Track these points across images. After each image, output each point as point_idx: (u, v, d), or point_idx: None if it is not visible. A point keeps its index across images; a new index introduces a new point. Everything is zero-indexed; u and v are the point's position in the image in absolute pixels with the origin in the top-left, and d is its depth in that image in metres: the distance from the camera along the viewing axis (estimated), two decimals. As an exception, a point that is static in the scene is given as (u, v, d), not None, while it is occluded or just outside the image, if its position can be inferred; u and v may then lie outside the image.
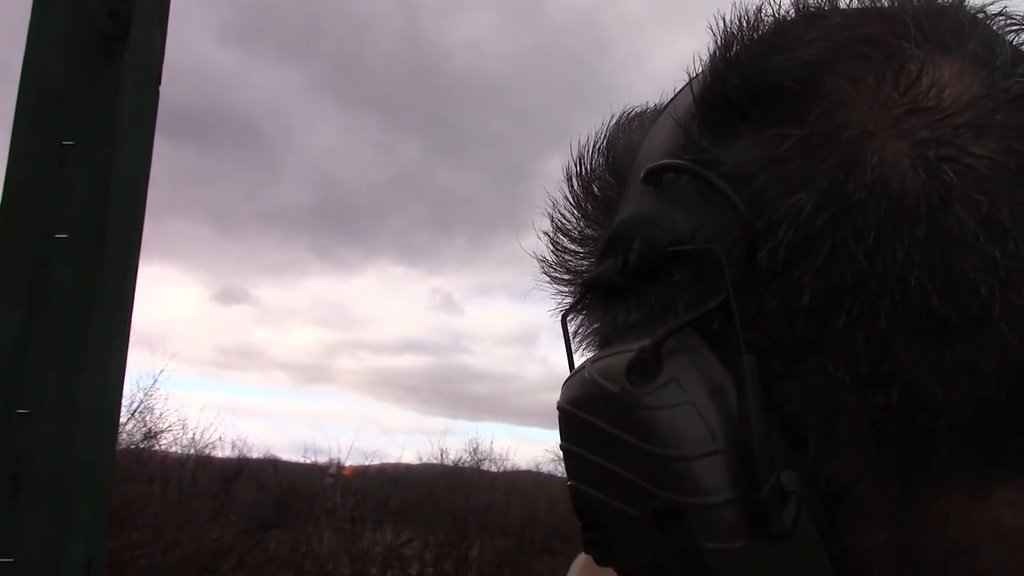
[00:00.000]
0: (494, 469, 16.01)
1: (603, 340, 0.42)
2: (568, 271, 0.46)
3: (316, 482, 14.61)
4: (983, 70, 0.37)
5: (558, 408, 0.41)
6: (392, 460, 16.91)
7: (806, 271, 0.35)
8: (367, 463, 15.65)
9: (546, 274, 0.47)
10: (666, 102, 0.45)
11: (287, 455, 15.73)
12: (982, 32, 0.39)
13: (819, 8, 0.41)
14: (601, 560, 0.41)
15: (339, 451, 14.99)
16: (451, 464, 15.71)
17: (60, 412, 1.28)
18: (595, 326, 0.44)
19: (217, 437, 14.28)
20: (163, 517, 10.48)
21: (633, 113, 0.48)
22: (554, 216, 0.47)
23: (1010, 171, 0.35)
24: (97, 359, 1.32)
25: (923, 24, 0.38)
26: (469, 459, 15.76)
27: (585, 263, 0.45)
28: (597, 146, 0.47)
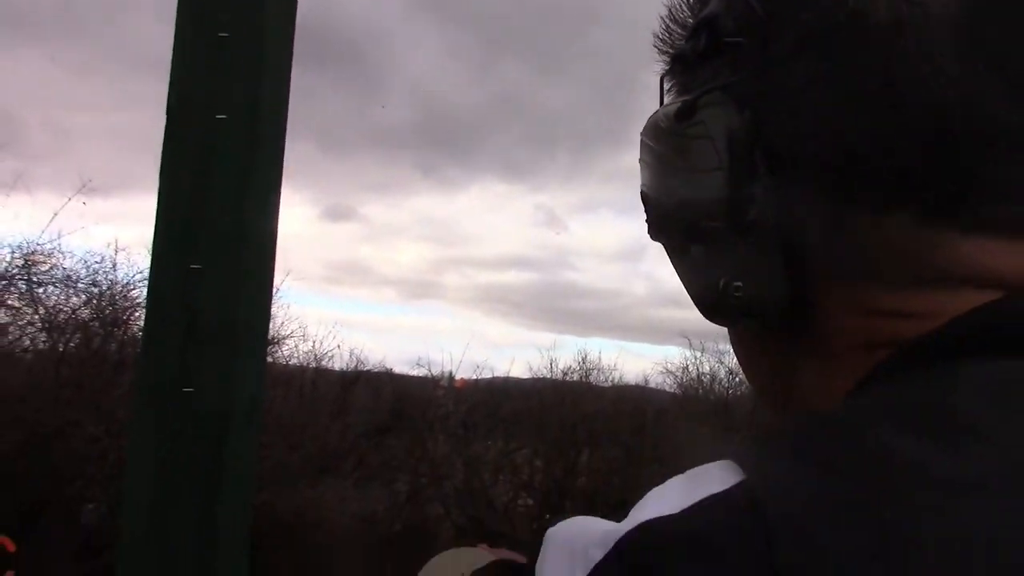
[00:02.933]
0: (602, 382, 16.22)
1: (679, 95, 0.61)
2: (670, 46, 0.63)
3: (429, 391, 15.06)
4: None
5: (641, 133, 0.62)
6: (501, 374, 17.24)
7: (798, 62, 0.53)
8: (477, 376, 16.03)
9: (655, 47, 0.64)
10: None
11: (399, 368, 16.19)
12: None
13: None
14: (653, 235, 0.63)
15: (450, 363, 15.38)
16: (560, 376, 15.97)
17: (227, 269, 1.48)
18: (676, 86, 0.62)
19: (335, 346, 14.83)
20: (287, 419, 11.07)
21: None
22: (671, 4, 0.64)
23: (943, 15, 0.52)
24: (256, 223, 1.51)
25: None
26: (578, 370, 15.99)
27: (681, 41, 0.62)
28: None
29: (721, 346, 16.59)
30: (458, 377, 15.47)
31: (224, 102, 1.50)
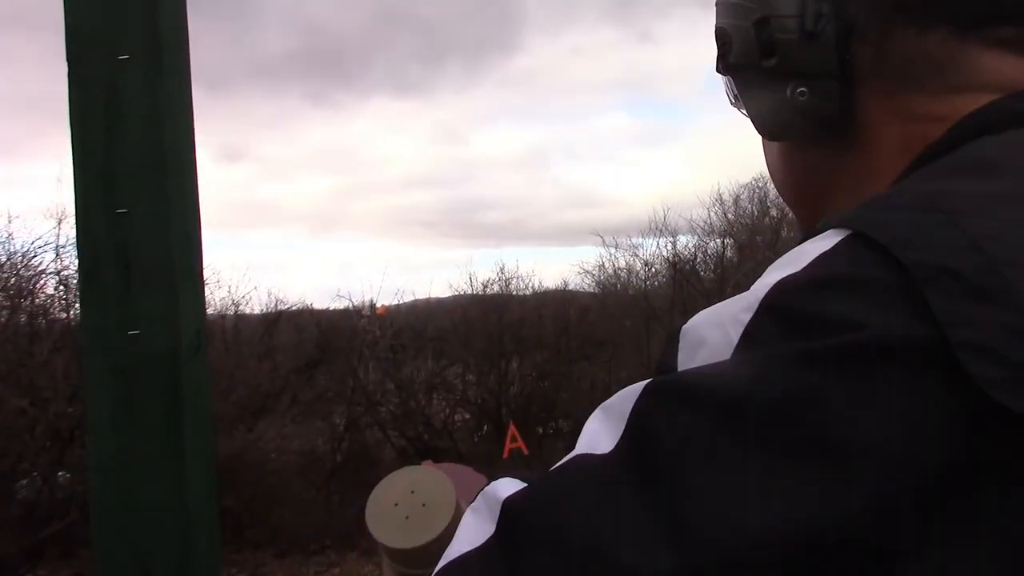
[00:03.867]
0: (522, 290, 16.35)
1: None
2: None
3: (353, 322, 15.01)
4: None
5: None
6: (422, 296, 17.23)
7: None
8: (399, 300, 16.01)
9: None
10: None
11: (320, 303, 16.06)
12: None
13: None
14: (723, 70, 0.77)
15: (370, 292, 15.32)
16: (480, 289, 16.05)
17: (153, 209, 1.48)
18: None
19: (252, 289, 14.60)
20: (214, 367, 10.97)
21: None
22: None
23: None
24: (174, 159, 1.51)
25: None
26: (497, 281, 16.09)
27: None
28: None
29: (635, 240, 16.85)
30: (379, 304, 15.45)
31: (123, 42, 1.48)
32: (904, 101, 0.68)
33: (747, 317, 0.51)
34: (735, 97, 0.78)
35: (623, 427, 0.50)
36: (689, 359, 0.53)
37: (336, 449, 12.44)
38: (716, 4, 0.75)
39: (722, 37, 0.75)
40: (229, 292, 13.72)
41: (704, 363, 0.51)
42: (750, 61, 0.71)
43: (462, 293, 16.17)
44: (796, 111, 0.70)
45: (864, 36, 0.67)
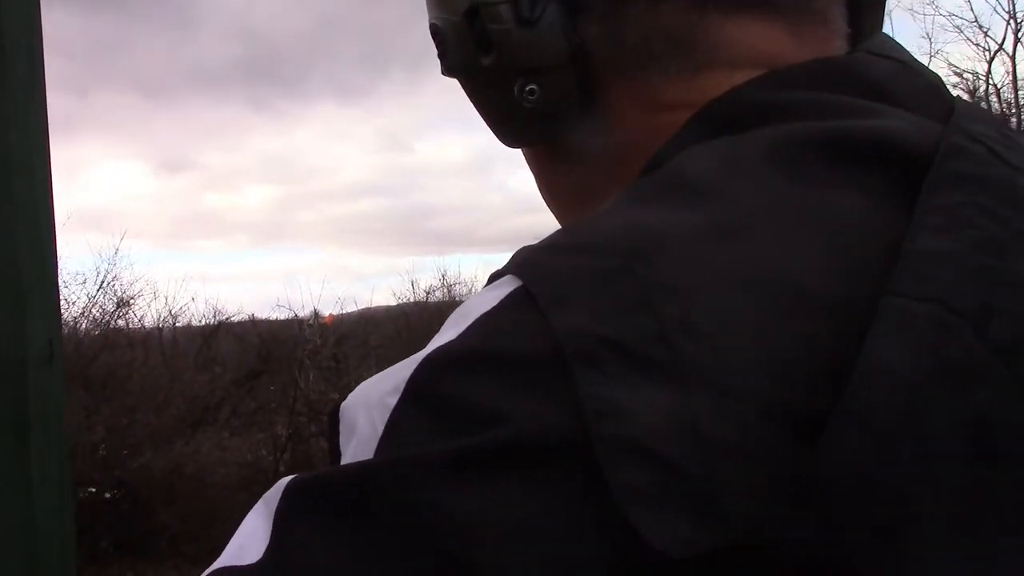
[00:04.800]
0: (465, 295, 16.35)
1: None
2: None
3: (295, 332, 14.90)
4: None
5: None
6: (364, 305, 17.17)
7: None
8: (341, 310, 15.93)
9: None
10: None
11: (262, 313, 15.92)
12: None
13: None
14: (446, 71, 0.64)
15: (315, 302, 15.22)
16: (423, 296, 16.04)
17: (1, 218, 1.44)
18: None
19: (189, 298, 14.42)
20: (151, 379, 10.79)
21: None
22: None
23: None
24: (23, 171, 1.47)
25: None
26: (440, 288, 16.09)
27: None
28: None
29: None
30: (327, 313, 15.35)
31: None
32: (646, 86, 0.58)
33: (392, 401, 0.44)
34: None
35: (270, 531, 0.44)
36: (345, 448, 0.47)
37: (279, 460, 12.30)
38: None
39: (437, 34, 0.63)
40: (167, 303, 13.54)
41: (352, 457, 0.45)
42: (469, 60, 0.61)
43: (405, 301, 16.15)
44: (530, 113, 0.60)
45: (592, 14, 0.58)
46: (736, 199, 0.47)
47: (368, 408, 0.45)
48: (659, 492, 0.38)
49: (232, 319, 14.66)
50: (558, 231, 0.53)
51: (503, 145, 0.66)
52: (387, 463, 0.42)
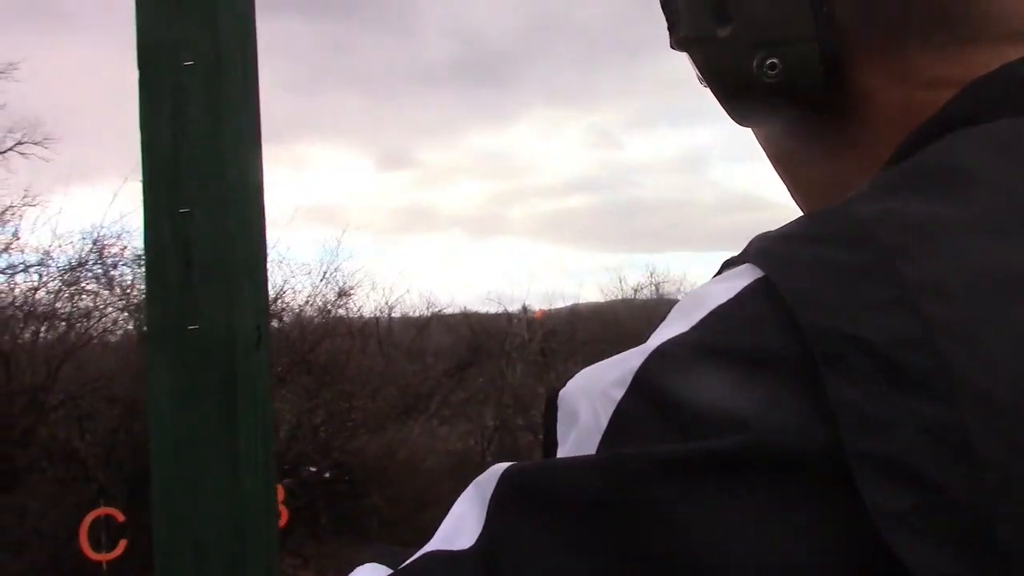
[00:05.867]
0: (674, 294, 16.18)
1: None
2: None
3: (504, 325, 15.23)
4: None
5: None
6: (571, 300, 17.30)
7: None
8: (550, 305, 16.13)
9: None
10: None
11: (473, 306, 16.36)
12: None
13: None
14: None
15: (526, 296, 15.51)
16: (631, 293, 15.98)
17: (214, 208, 1.55)
18: None
19: (405, 291, 15.01)
20: (367, 366, 11.35)
21: None
22: None
23: None
24: (236, 167, 1.57)
25: None
26: (648, 285, 15.98)
27: None
28: None
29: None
30: (537, 308, 15.61)
31: (188, 47, 1.55)
32: (903, 60, 0.52)
33: (618, 394, 0.41)
34: (699, 77, 0.62)
35: (484, 518, 0.42)
36: (564, 437, 0.44)
37: (486, 450, 12.63)
38: None
39: (668, 5, 0.60)
40: (384, 295, 14.18)
41: (573, 448, 0.43)
42: (703, 31, 0.56)
43: (613, 299, 16.15)
44: (770, 88, 0.54)
45: None
46: (1014, 192, 0.42)
47: (590, 398, 0.43)
48: (922, 517, 0.34)
49: (445, 311, 15.15)
50: (801, 218, 0.48)
51: (735, 123, 0.62)
52: (613, 460, 0.40)
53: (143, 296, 8.69)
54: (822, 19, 0.52)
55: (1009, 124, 0.46)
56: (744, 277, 0.43)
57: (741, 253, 0.46)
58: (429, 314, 14.61)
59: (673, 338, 0.42)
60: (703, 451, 0.38)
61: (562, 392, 0.46)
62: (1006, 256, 0.40)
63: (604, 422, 0.41)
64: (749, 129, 0.64)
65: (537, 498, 0.41)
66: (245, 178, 1.59)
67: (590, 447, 0.42)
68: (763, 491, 0.37)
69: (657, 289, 15.94)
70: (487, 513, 0.42)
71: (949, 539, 0.34)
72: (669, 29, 0.60)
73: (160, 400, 1.50)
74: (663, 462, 0.38)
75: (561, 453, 0.44)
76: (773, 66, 0.53)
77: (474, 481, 0.45)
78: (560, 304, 16.56)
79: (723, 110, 0.61)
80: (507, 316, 15.49)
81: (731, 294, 0.43)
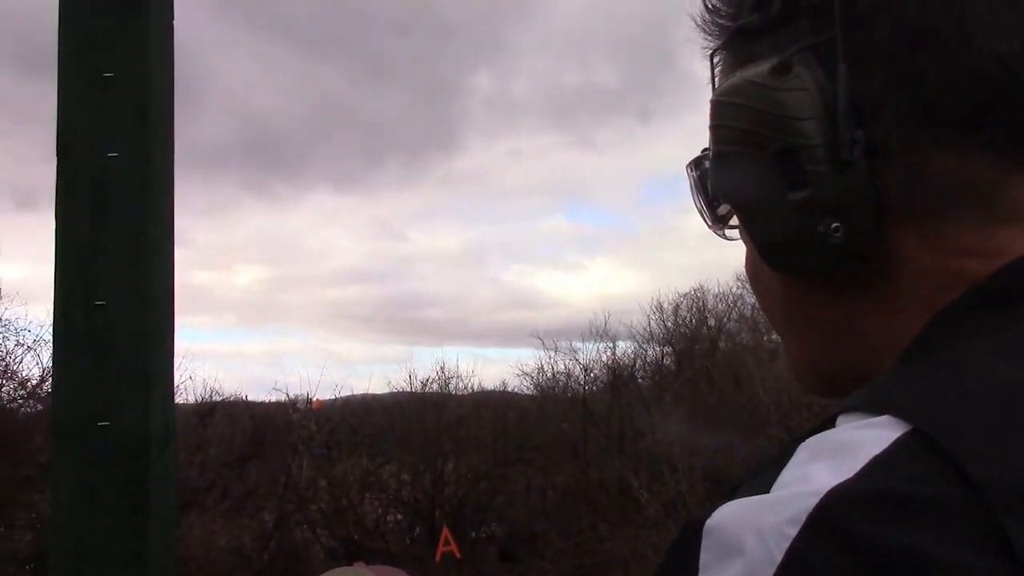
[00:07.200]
0: (461, 390, 16.31)
1: (739, 66, 0.66)
2: (724, 20, 0.68)
3: (287, 416, 14.80)
4: None
5: (713, 100, 0.67)
6: (358, 391, 17.06)
7: (879, 19, 0.60)
8: (335, 395, 15.84)
9: (701, 27, 0.70)
10: None
11: (255, 395, 15.81)
12: None
13: None
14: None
15: (305, 386, 15.15)
16: (419, 387, 15.97)
17: (130, 302, 1.51)
18: (735, 58, 0.68)
19: (187, 378, 14.32)
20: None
21: None
22: None
23: None
24: (156, 258, 1.55)
25: None
26: (436, 380, 16.04)
27: (729, 18, 0.68)
28: None
29: (574, 343, 17.02)
30: (315, 398, 15.25)
31: (112, 140, 1.53)
32: (941, 232, 0.61)
33: (793, 532, 0.45)
34: (722, 224, 0.74)
35: None
36: (719, 565, 0.48)
37: (264, 548, 12.11)
38: (713, 129, 0.67)
39: (721, 160, 0.67)
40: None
41: None
42: (768, 195, 0.63)
43: (400, 390, 16.06)
44: (827, 248, 0.62)
45: (894, 160, 0.60)
46: None
47: (759, 533, 0.47)
48: None
49: (226, 399, 14.56)
50: (928, 378, 0.55)
51: (755, 257, 0.70)
52: None
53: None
54: (877, 192, 0.61)
55: None
56: (891, 428, 0.49)
57: (868, 402, 0.53)
58: (211, 401, 13.99)
59: (838, 487, 0.46)
60: None
61: (710, 523, 0.50)
62: None
63: (779, 557, 0.45)
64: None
65: None
66: (163, 271, 1.57)
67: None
68: None
69: (446, 384, 16.02)
70: None
71: None
72: (717, 187, 0.69)
73: (65, 495, 1.42)
74: None
75: None
76: (837, 229, 0.61)
77: None
78: (345, 393, 16.30)
79: (750, 255, 0.71)
80: (288, 406, 15.07)
81: (884, 444, 0.48)
